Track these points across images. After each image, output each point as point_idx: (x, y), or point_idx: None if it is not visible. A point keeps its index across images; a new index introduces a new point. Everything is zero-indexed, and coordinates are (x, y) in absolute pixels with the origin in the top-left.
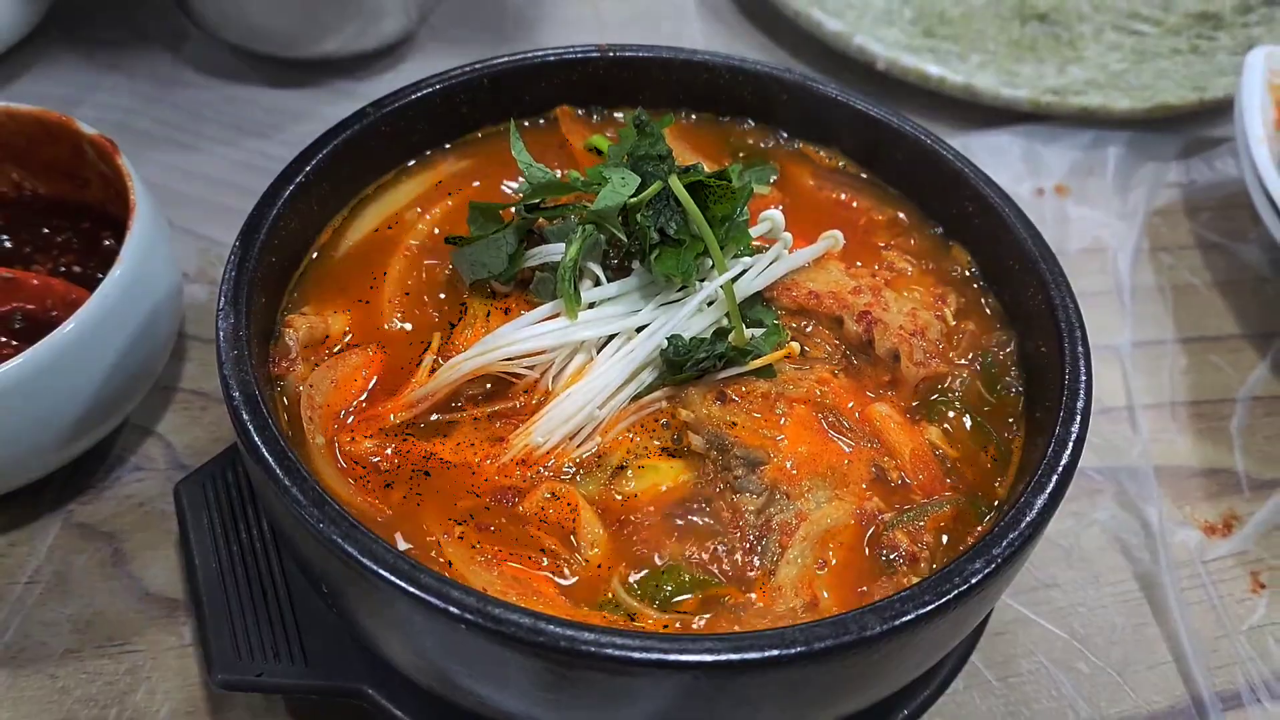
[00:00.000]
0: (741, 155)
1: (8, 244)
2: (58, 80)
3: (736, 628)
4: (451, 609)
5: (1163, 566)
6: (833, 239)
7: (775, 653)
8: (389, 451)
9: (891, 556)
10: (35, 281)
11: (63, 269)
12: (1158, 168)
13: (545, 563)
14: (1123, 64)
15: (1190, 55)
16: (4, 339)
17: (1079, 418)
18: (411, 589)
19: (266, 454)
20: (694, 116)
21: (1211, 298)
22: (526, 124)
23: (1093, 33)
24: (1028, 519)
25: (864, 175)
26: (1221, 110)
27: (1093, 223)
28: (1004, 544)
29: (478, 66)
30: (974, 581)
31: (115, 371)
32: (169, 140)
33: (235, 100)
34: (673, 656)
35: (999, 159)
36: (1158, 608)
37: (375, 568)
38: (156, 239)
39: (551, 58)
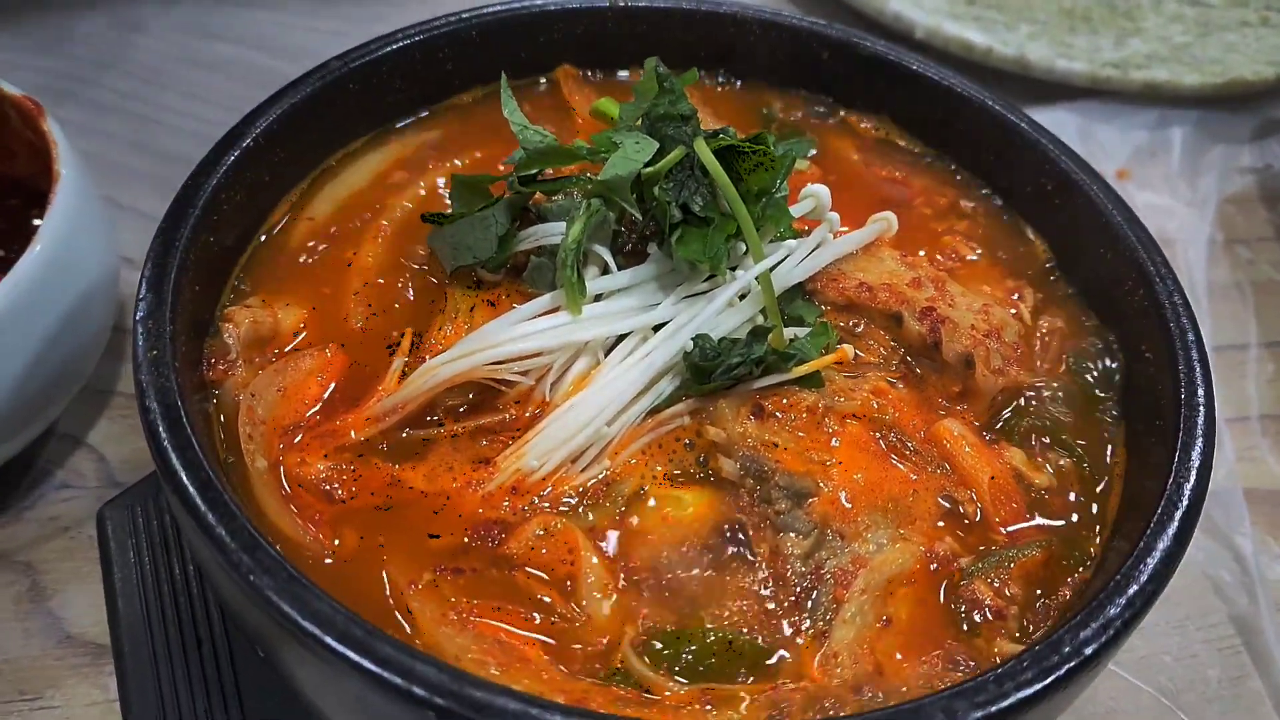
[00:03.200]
0: (774, 124)
1: None
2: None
3: (780, 706)
4: (415, 690)
5: (1262, 608)
6: (885, 222)
7: None
8: (347, 477)
9: (973, 613)
10: None
11: None
12: (1229, 151)
13: (536, 619)
14: (1186, 36)
15: (1261, 28)
16: None
17: (1201, 441)
18: (365, 662)
19: (185, 480)
20: (719, 79)
21: None
22: (522, 86)
23: (1151, 3)
24: (1150, 569)
25: (920, 149)
26: None
27: (1159, 211)
28: (1123, 602)
29: (465, 16)
30: (1088, 653)
31: (35, 370)
32: (121, 110)
33: (200, 65)
34: None
35: None
36: (1258, 656)
37: (319, 633)
38: (86, 215)
39: (552, 7)
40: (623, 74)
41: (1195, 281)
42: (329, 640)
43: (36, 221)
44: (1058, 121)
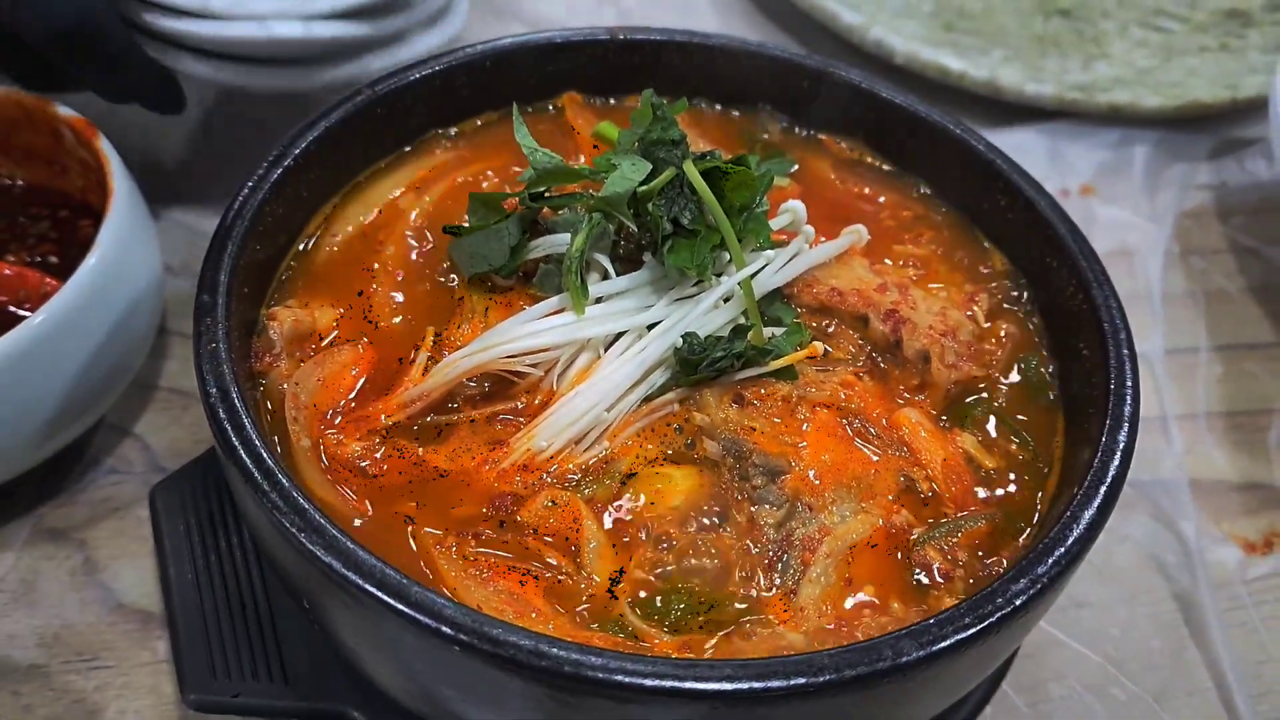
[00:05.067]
0: (758, 146)
1: None
2: None
3: (753, 652)
4: (444, 629)
5: (1201, 586)
6: (856, 234)
7: (802, 681)
8: (379, 455)
9: (923, 575)
10: (8, 272)
11: (39, 259)
12: (1187, 168)
13: (545, 576)
14: (1150, 61)
15: (1220, 53)
16: None
17: (1127, 425)
18: (400, 606)
19: (243, 455)
20: (712, 109)
21: (1246, 304)
22: (531, 110)
23: (1117, 29)
24: (1074, 534)
25: (889, 168)
26: (1253, 109)
27: (1121, 225)
28: (1050, 562)
29: (480, 47)
30: (1018, 603)
31: (89, 367)
32: (160, 128)
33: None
34: (689, 684)
35: (1022, 158)
36: (1196, 630)
37: (360, 581)
38: (136, 227)
39: (558, 39)
40: (624, 100)
41: (1153, 289)
42: (369, 588)
43: (86, 233)
44: (1027, 141)
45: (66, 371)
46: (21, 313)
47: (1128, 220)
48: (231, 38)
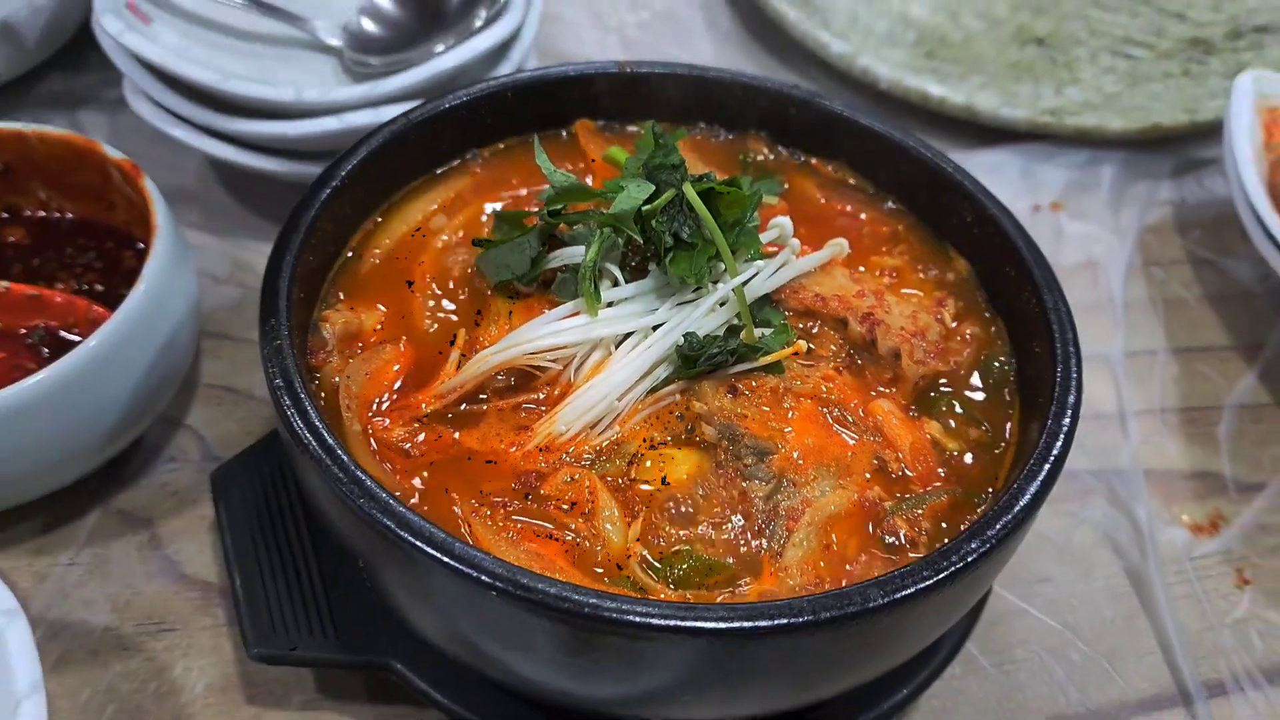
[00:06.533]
0: (751, 167)
1: (35, 262)
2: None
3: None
4: (484, 578)
5: (1151, 563)
6: (838, 246)
7: (784, 621)
8: (419, 438)
9: (891, 541)
10: (59, 300)
11: (85, 287)
12: (1150, 186)
13: (566, 539)
14: (1117, 86)
15: (1182, 79)
16: (28, 355)
17: (1070, 411)
18: (446, 560)
19: (308, 436)
20: (710, 134)
21: (1201, 311)
22: (547, 136)
23: (1088, 56)
24: (1020, 504)
25: (868, 187)
26: (1213, 131)
27: (1087, 238)
28: (998, 526)
29: (503, 80)
30: (970, 560)
31: (138, 382)
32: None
33: None
34: (689, 623)
35: (997, 176)
36: (1146, 601)
37: (413, 540)
38: (177, 259)
39: (573, 73)
40: (631, 127)
41: (1115, 298)
42: (420, 545)
43: (128, 262)
44: (1002, 160)
45: (118, 386)
46: (71, 337)
47: (1094, 234)
48: (314, 133)
